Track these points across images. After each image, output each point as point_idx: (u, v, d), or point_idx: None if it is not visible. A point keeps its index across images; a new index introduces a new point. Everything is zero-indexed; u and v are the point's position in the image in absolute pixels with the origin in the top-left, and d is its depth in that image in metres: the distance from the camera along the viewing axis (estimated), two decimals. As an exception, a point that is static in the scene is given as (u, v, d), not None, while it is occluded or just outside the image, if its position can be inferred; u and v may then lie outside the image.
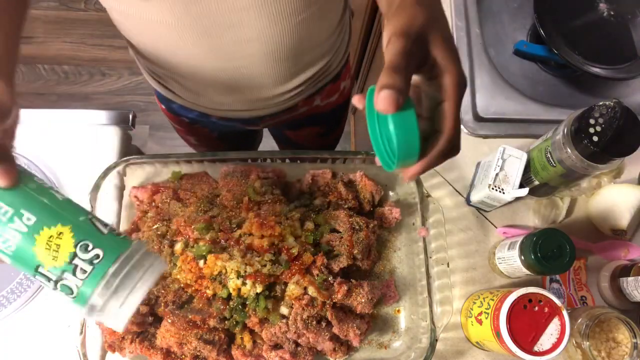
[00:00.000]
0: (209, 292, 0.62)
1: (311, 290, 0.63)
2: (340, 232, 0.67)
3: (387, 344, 0.69)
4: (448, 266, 0.67)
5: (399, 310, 0.71)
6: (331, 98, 0.88)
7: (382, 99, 0.39)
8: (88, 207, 0.66)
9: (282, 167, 0.74)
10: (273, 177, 0.72)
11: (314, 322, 0.62)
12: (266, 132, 1.21)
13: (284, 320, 0.62)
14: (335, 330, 0.64)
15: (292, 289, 0.62)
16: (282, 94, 0.75)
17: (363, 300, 0.64)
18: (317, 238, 0.66)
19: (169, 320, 0.62)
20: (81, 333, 0.62)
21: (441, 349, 0.71)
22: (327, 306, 0.63)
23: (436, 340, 0.64)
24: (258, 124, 0.88)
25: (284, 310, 0.63)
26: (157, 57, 0.68)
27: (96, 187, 0.67)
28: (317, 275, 0.63)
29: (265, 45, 0.63)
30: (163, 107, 0.89)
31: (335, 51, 0.78)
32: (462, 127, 0.83)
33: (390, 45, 0.42)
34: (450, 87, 0.43)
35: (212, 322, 0.63)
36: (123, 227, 0.71)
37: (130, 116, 0.84)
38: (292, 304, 0.62)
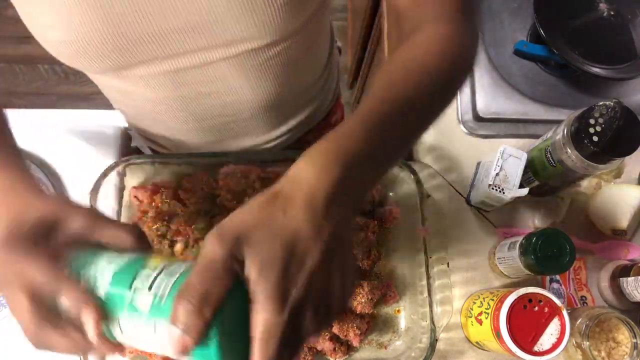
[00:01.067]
0: None
1: None
2: None
3: (387, 344, 0.69)
4: (448, 266, 0.67)
5: (399, 310, 0.71)
6: (323, 132, 0.87)
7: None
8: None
9: (283, 168, 0.73)
10: (274, 177, 0.72)
11: None
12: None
13: None
14: (335, 330, 0.64)
15: None
16: (271, 140, 0.75)
17: (363, 300, 0.64)
18: None
19: None
20: (81, 333, 0.62)
21: (441, 349, 0.71)
22: None
23: (436, 340, 0.64)
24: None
25: None
26: (140, 121, 0.69)
27: (96, 188, 0.67)
28: None
29: (250, 102, 0.63)
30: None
31: (325, 92, 0.78)
32: (462, 127, 0.83)
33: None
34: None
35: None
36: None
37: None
38: None
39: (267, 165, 0.73)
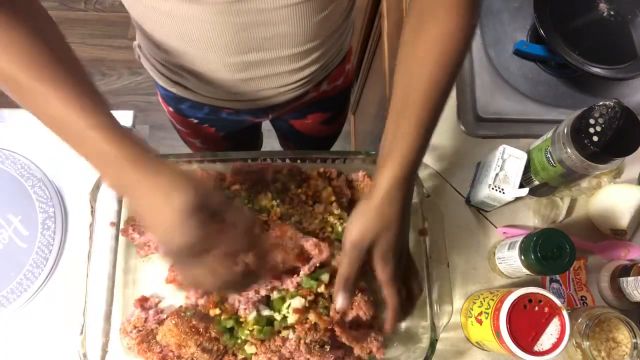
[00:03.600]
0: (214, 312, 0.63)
1: (312, 317, 0.63)
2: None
3: (387, 344, 0.69)
4: (448, 266, 0.67)
5: (399, 310, 0.71)
6: (337, 81, 0.90)
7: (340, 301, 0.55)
8: (88, 207, 0.67)
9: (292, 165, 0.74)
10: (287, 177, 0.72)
11: (317, 347, 0.62)
12: (268, 137, 1.21)
13: (289, 338, 0.63)
14: (357, 350, 0.63)
15: (294, 319, 0.63)
16: (296, 82, 0.77)
17: (364, 308, 0.64)
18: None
19: (172, 322, 0.62)
20: (81, 333, 0.62)
21: (441, 349, 0.71)
22: (331, 327, 0.63)
23: (436, 340, 0.64)
24: (267, 115, 0.90)
25: (285, 333, 0.64)
26: (176, 50, 0.69)
27: (96, 187, 0.67)
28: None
29: (291, 38, 0.67)
30: (170, 109, 0.89)
31: (344, 39, 0.81)
32: (462, 127, 0.83)
33: (345, 257, 0.54)
34: (386, 297, 0.55)
35: (213, 332, 0.63)
36: (123, 225, 0.71)
37: (131, 116, 0.84)
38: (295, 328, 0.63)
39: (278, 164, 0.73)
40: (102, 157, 0.48)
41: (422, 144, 0.54)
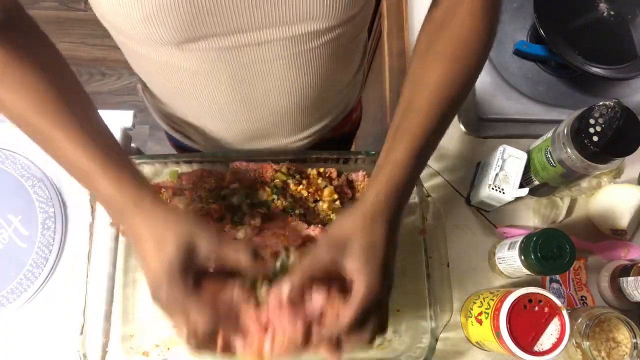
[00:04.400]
0: None
1: None
2: None
3: (387, 344, 0.69)
4: (448, 266, 0.67)
5: (398, 311, 0.70)
6: (342, 129, 0.89)
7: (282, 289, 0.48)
8: (88, 207, 0.67)
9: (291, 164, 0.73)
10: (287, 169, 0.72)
11: None
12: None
13: None
14: None
15: None
16: (300, 140, 0.76)
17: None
18: None
19: None
20: (81, 333, 0.62)
21: (441, 349, 0.71)
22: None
23: (436, 340, 0.64)
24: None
25: None
26: (177, 103, 0.69)
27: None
28: None
29: (291, 96, 0.64)
30: (171, 142, 0.89)
31: (354, 90, 0.80)
32: (462, 127, 0.83)
33: (315, 249, 0.50)
34: (354, 294, 0.47)
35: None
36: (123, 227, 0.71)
37: (131, 116, 0.84)
38: None
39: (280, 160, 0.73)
40: (106, 200, 0.51)
41: (417, 162, 0.52)
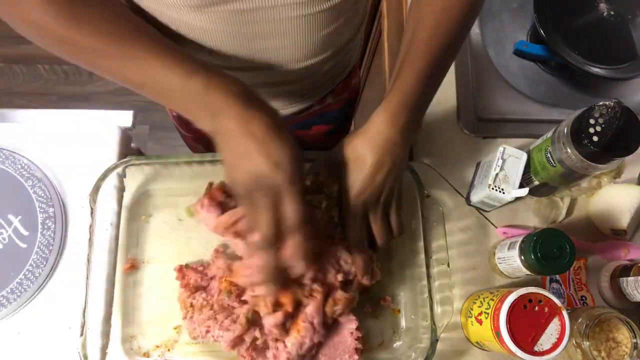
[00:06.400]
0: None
1: None
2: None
3: (387, 344, 0.69)
4: (448, 266, 0.67)
5: (398, 311, 0.71)
6: (342, 95, 0.90)
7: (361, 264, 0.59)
8: (88, 209, 0.67)
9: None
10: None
11: None
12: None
13: None
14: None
15: None
16: (301, 95, 0.77)
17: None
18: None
19: None
20: (82, 335, 0.62)
21: (441, 349, 0.71)
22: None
23: (437, 340, 0.64)
24: None
25: None
26: None
27: (96, 189, 0.67)
28: None
29: (297, 51, 0.66)
30: (174, 113, 0.89)
31: (351, 55, 0.81)
32: (462, 127, 0.83)
33: (351, 219, 0.58)
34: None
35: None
36: (123, 227, 0.71)
37: (131, 116, 0.84)
38: None
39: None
40: (208, 95, 0.48)
41: (422, 91, 0.55)
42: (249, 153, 0.46)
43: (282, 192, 0.46)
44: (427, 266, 0.68)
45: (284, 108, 0.79)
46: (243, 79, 0.68)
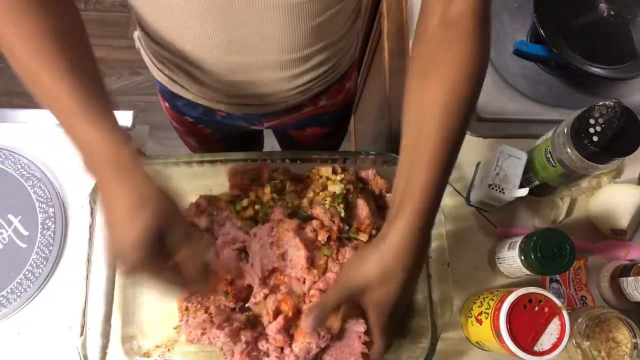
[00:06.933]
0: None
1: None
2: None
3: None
4: (448, 266, 0.67)
5: (399, 310, 0.70)
6: (336, 98, 0.89)
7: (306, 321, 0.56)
8: (88, 209, 0.67)
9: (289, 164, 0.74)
10: (282, 172, 0.72)
11: None
12: (268, 137, 1.21)
13: None
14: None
15: None
16: (289, 90, 0.76)
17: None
18: None
19: None
20: (82, 334, 0.62)
21: (441, 349, 0.71)
22: None
23: (437, 340, 0.64)
24: (262, 123, 0.88)
25: None
26: (170, 45, 0.69)
27: (96, 189, 0.67)
28: None
29: (281, 43, 0.65)
30: (166, 105, 0.89)
31: (345, 53, 0.79)
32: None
33: (333, 290, 0.56)
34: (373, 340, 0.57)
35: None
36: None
37: (131, 116, 0.84)
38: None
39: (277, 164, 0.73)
40: (83, 144, 0.49)
41: (437, 193, 0.51)
42: (111, 228, 0.49)
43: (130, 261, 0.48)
44: (427, 266, 0.68)
45: (273, 103, 0.78)
46: (228, 64, 0.68)
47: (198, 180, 0.72)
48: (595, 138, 0.63)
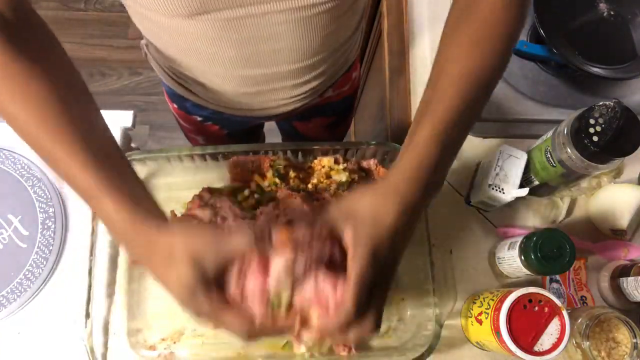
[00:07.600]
0: None
1: None
2: None
3: (393, 332, 0.69)
4: (451, 253, 0.66)
5: (403, 299, 0.70)
6: (342, 88, 0.90)
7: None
8: (88, 209, 0.66)
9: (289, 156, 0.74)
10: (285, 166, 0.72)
11: None
12: (271, 129, 1.22)
13: None
14: None
15: None
16: (298, 95, 0.77)
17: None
18: None
19: None
20: (86, 327, 0.62)
21: (441, 349, 0.71)
22: None
23: (441, 327, 0.64)
24: (269, 118, 0.90)
25: None
26: (182, 62, 0.70)
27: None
28: None
29: (294, 53, 0.66)
30: (175, 105, 0.89)
31: (351, 50, 0.81)
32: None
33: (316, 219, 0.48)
34: (348, 278, 0.44)
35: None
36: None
37: (131, 116, 0.84)
38: None
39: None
40: (110, 222, 0.50)
41: (437, 161, 0.48)
42: (164, 282, 0.47)
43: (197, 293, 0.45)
44: (430, 253, 0.68)
45: (285, 106, 0.80)
46: (242, 78, 0.69)
47: (200, 174, 0.73)
48: (595, 138, 0.63)
